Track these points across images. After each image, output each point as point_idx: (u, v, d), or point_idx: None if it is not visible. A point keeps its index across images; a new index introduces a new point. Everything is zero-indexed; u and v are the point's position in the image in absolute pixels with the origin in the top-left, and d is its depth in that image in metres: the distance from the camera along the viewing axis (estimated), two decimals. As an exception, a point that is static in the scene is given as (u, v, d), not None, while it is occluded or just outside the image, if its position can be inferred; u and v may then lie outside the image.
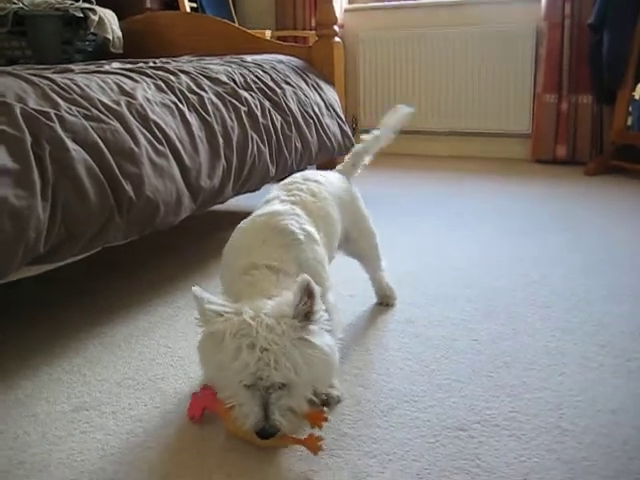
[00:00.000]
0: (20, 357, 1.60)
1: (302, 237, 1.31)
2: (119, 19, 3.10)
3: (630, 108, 3.50)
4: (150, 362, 1.56)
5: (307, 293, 1.10)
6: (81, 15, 2.87)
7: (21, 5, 2.85)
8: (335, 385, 1.36)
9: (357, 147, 1.83)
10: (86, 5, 2.90)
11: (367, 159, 1.84)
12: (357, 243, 1.69)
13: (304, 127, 2.54)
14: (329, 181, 1.59)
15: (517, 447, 1.18)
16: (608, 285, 1.92)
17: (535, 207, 2.89)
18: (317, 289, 1.11)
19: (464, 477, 1.10)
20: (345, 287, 1.93)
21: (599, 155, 3.62)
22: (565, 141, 3.71)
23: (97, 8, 2.93)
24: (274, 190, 1.51)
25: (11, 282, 1.46)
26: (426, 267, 2.15)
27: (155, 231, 1.80)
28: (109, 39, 2.97)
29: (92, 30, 2.92)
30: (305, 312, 1.11)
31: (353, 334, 1.67)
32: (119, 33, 3.03)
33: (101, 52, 3.05)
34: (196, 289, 1.14)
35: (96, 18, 2.90)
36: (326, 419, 1.20)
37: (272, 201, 1.44)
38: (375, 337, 1.66)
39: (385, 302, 1.84)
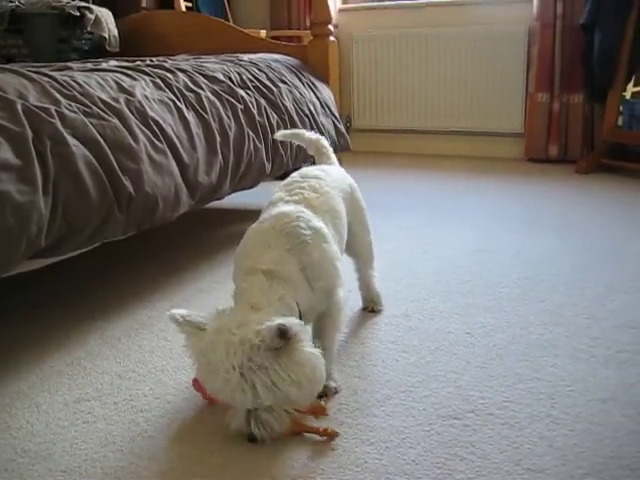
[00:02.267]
0: (22, 350, 1.62)
1: (309, 238, 1.31)
2: (115, 18, 3.12)
3: (621, 108, 3.54)
4: (150, 354, 1.58)
5: (279, 335, 1.08)
6: (77, 14, 2.88)
7: (17, 3, 2.86)
8: (333, 377, 1.38)
9: (310, 135, 1.85)
10: (82, 4, 2.92)
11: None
12: (356, 236, 1.67)
13: (299, 125, 2.56)
14: (328, 174, 1.58)
15: (510, 435, 1.21)
16: (601, 281, 1.96)
17: (528, 205, 2.93)
18: (290, 327, 1.09)
19: (459, 463, 1.13)
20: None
21: (590, 154, 3.66)
22: (557, 140, 3.75)
23: (93, 7, 2.95)
24: (277, 192, 1.51)
25: (13, 276, 1.48)
26: (421, 262, 2.18)
27: (153, 227, 1.83)
28: (105, 38, 2.99)
29: (88, 29, 2.93)
30: (274, 347, 1.10)
31: (350, 327, 1.70)
32: (115, 32, 3.05)
33: (97, 51, 3.07)
34: (171, 313, 1.19)
35: (92, 17, 2.92)
36: (326, 413, 1.25)
37: (277, 203, 1.43)
38: (371, 330, 1.69)
39: (370, 308, 1.80)
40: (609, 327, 1.64)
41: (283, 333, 1.09)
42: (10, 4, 2.85)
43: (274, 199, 1.46)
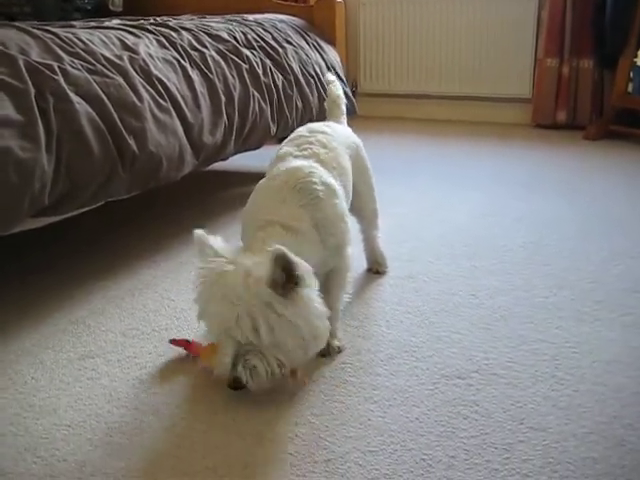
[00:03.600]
0: (25, 309, 1.62)
1: (321, 194, 1.31)
2: (118, -22, 3.07)
3: (631, 74, 3.49)
4: (154, 313, 1.58)
5: (280, 265, 1.09)
6: (80, -29, 2.83)
7: (20, -39, 2.81)
8: (337, 335, 1.39)
9: (332, 92, 1.82)
10: (86, -39, 2.87)
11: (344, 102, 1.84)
12: (361, 196, 1.66)
13: (305, 87, 2.54)
14: (335, 131, 1.57)
15: (514, 394, 1.21)
16: (606, 246, 1.94)
17: (535, 171, 2.90)
18: (295, 260, 1.10)
19: (462, 422, 1.13)
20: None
21: (599, 120, 3.62)
22: (565, 106, 3.70)
23: (97, -35, 2.90)
24: (283, 146, 1.50)
25: (17, 234, 1.48)
26: (426, 225, 2.17)
27: (157, 186, 1.82)
28: (108, -3, 2.94)
29: (91, -13, 2.89)
30: (281, 282, 1.10)
31: (354, 288, 1.69)
32: (119, -9, 3.00)
33: (100, 11, 3.02)
34: (197, 232, 1.20)
35: (95, -25, 2.87)
36: (304, 383, 1.24)
37: (286, 157, 1.42)
38: (375, 291, 1.68)
39: (375, 269, 1.80)
40: (613, 291, 1.64)
41: (286, 264, 1.08)
42: (12, -39, 2.80)
43: (281, 153, 1.45)
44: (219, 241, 1.20)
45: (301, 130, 1.55)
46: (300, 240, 1.24)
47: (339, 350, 1.38)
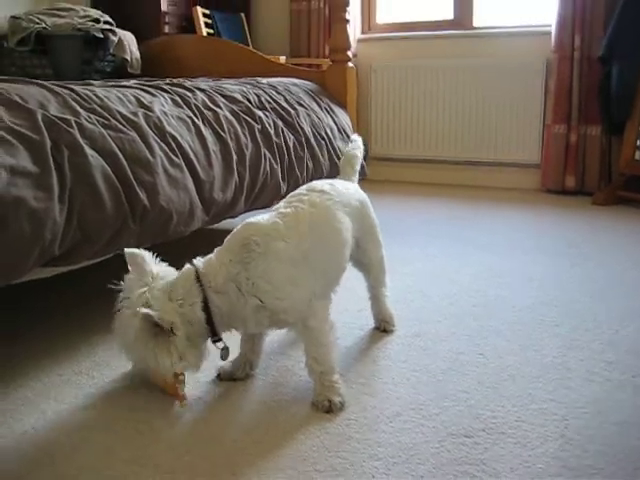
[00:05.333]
0: (32, 357, 1.62)
1: (257, 255, 1.31)
2: (138, 42, 3.18)
3: (638, 142, 3.53)
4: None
5: (144, 321, 1.25)
6: (101, 36, 2.94)
7: (44, 25, 2.93)
8: (337, 391, 1.36)
9: (348, 151, 1.82)
10: (107, 27, 2.98)
11: (359, 162, 1.84)
12: (366, 252, 1.66)
13: (316, 148, 2.58)
14: (336, 189, 1.57)
15: (522, 454, 1.18)
16: (616, 308, 1.93)
17: (544, 233, 2.91)
18: (153, 316, 1.22)
19: (469, 480, 1.11)
20: (354, 302, 1.94)
21: (608, 186, 3.64)
22: (574, 171, 3.74)
23: (117, 30, 3.01)
24: (281, 201, 1.52)
25: (27, 284, 1.48)
26: (435, 285, 2.16)
27: (167, 241, 1.83)
28: (127, 60, 3.04)
29: (111, 51, 2.99)
30: (153, 331, 1.26)
31: (360, 347, 1.68)
32: (137, 54, 3.11)
33: (119, 73, 3.12)
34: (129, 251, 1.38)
35: (116, 39, 2.98)
36: (178, 391, 1.37)
37: (271, 211, 1.45)
38: (382, 349, 1.67)
39: (383, 327, 1.78)
40: (624, 352, 1.61)
41: (144, 319, 1.23)
42: (37, 26, 2.92)
43: (274, 207, 1.48)
44: (150, 261, 1.36)
45: (302, 187, 1.57)
46: (209, 293, 1.31)
47: (341, 406, 1.35)
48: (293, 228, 1.38)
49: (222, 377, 1.51)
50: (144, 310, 1.22)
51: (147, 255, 1.36)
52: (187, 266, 1.36)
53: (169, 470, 1.16)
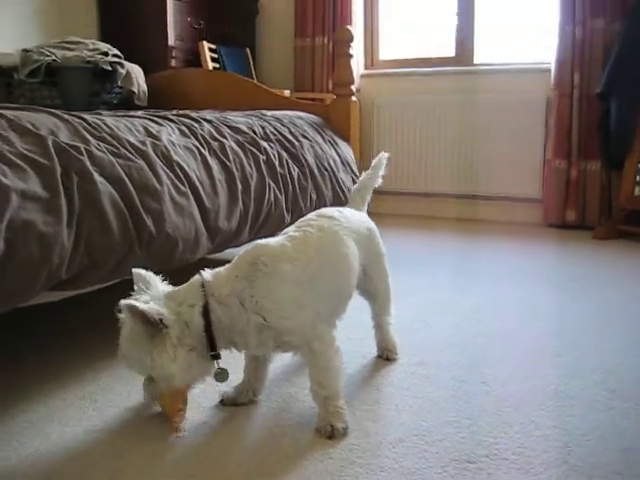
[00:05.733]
0: (36, 381, 1.63)
1: (264, 273, 1.33)
2: (145, 75, 3.24)
3: (638, 177, 3.56)
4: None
5: (135, 317, 1.27)
6: (110, 68, 3.00)
7: (54, 58, 2.99)
8: (340, 417, 1.36)
9: (362, 181, 1.87)
10: (115, 59, 3.04)
11: (370, 193, 1.87)
12: (372, 280, 1.68)
13: (320, 179, 2.61)
14: (344, 216, 1.60)
15: (526, 480, 1.18)
16: (617, 339, 1.93)
17: (546, 267, 2.92)
18: (144, 309, 1.25)
19: (472, 505, 1.10)
20: (358, 331, 1.94)
21: (608, 220, 3.67)
22: (575, 206, 3.77)
23: (125, 62, 3.07)
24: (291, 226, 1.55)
25: (32, 307, 1.50)
26: (438, 315, 2.17)
27: (173, 267, 1.85)
28: (134, 92, 3.09)
29: (119, 83, 3.04)
30: (148, 330, 1.27)
31: (362, 375, 1.69)
32: (144, 87, 3.16)
33: (125, 105, 3.17)
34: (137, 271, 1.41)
35: (124, 72, 3.03)
36: (175, 423, 1.39)
37: (281, 235, 1.48)
38: (386, 377, 1.67)
39: (385, 356, 1.78)
40: (627, 381, 1.62)
41: (134, 314, 1.26)
42: (47, 58, 2.97)
43: (284, 231, 1.50)
44: (156, 281, 1.39)
45: (311, 213, 1.60)
46: (211, 301, 1.32)
47: (344, 432, 1.35)
48: (301, 251, 1.40)
49: (225, 402, 1.51)
50: (128, 301, 1.26)
51: (154, 276, 1.39)
52: (195, 276, 1.38)
53: (172, 493, 1.16)
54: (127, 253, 1.64)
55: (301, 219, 1.58)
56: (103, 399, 1.54)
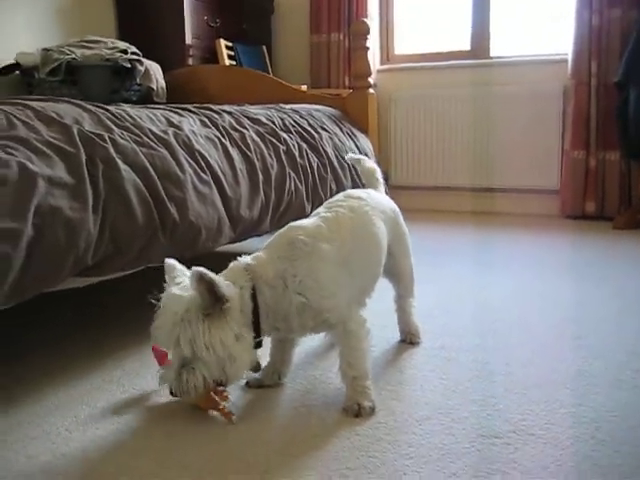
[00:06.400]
0: (63, 366, 1.66)
1: (304, 252, 1.35)
2: (163, 73, 3.26)
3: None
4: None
5: (202, 285, 1.21)
6: (129, 66, 3.03)
7: (74, 56, 3.02)
8: (368, 396, 1.38)
9: (365, 166, 1.88)
10: (134, 57, 3.07)
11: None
12: (396, 260, 1.70)
13: (339, 170, 2.62)
14: (371, 197, 1.62)
15: (554, 453, 1.18)
16: (638, 323, 1.92)
17: (565, 257, 2.91)
18: (214, 279, 1.22)
19: (501, 477, 1.11)
20: (378, 318, 1.94)
21: (628, 210, 3.64)
22: (594, 197, 3.75)
23: (144, 60, 3.10)
24: (321, 207, 1.57)
25: (62, 294, 1.52)
26: (457, 304, 2.17)
27: (195, 255, 1.87)
28: (153, 89, 3.12)
29: (138, 80, 3.07)
30: (208, 302, 1.22)
31: (386, 358, 1.69)
32: (163, 83, 3.19)
33: (145, 102, 3.20)
34: (169, 260, 1.38)
35: (142, 69, 3.06)
36: (230, 420, 1.33)
37: (312, 216, 1.50)
38: (408, 360, 1.68)
39: (408, 339, 1.79)
40: (652, 362, 1.61)
41: (206, 283, 1.21)
42: (67, 57, 3.01)
43: (314, 212, 1.52)
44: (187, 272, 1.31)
45: (340, 194, 1.63)
46: (259, 284, 1.31)
47: (371, 411, 1.36)
48: (335, 231, 1.42)
49: (251, 385, 1.52)
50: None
51: (185, 268, 1.36)
52: (234, 262, 1.37)
53: (198, 469, 1.17)
54: (151, 239, 1.66)
55: (328, 200, 1.59)
56: (129, 383, 1.56)
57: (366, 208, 1.55)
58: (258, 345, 1.33)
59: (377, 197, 1.68)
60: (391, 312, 1.82)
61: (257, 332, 1.32)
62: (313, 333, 1.45)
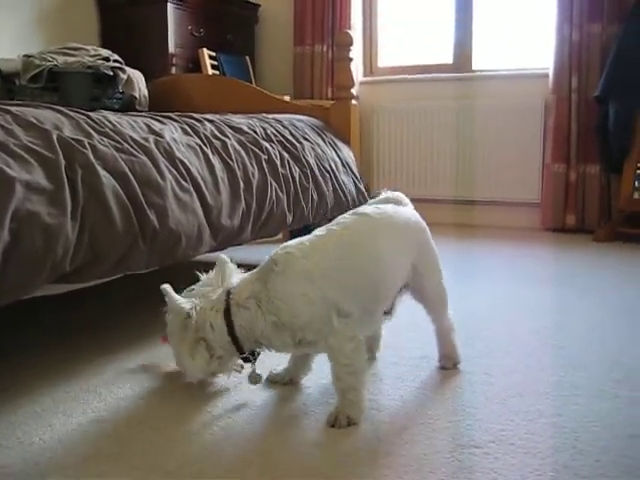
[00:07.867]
0: (40, 374, 1.63)
1: (276, 271, 1.36)
2: (145, 82, 3.25)
3: (636, 183, 3.56)
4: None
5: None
6: (111, 73, 3.01)
7: (55, 63, 3.00)
8: (353, 409, 1.35)
9: (389, 193, 1.79)
10: (116, 65, 3.05)
11: None
12: (423, 279, 1.61)
13: (321, 180, 2.62)
14: (383, 212, 1.55)
15: (533, 463, 1.18)
16: (622, 332, 1.94)
17: (546, 267, 2.93)
18: (170, 299, 1.44)
19: (481, 487, 1.10)
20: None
21: (608, 223, 3.68)
22: (574, 210, 3.78)
23: (126, 68, 3.08)
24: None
25: (37, 299, 1.50)
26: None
27: (175, 263, 1.85)
28: (136, 97, 3.10)
29: (120, 88, 3.05)
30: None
31: (371, 368, 1.68)
32: (145, 92, 3.17)
33: (127, 110, 3.18)
34: (165, 287, 1.48)
35: (125, 77, 3.04)
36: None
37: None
38: (390, 369, 1.67)
39: (444, 364, 1.66)
40: (634, 371, 1.62)
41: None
42: (48, 63, 2.99)
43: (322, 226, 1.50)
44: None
45: (351, 210, 1.57)
46: (232, 305, 1.39)
47: (347, 423, 1.33)
48: (317, 247, 1.40)
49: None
50: (164, 286, 1.46)
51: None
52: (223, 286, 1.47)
53: (176, 472, 1.15)
54: (130, 246, 1.64)
55: (343, 214, 1.55)
56: (107, 392, 1.53)
57: (370, 224, 1.50)
58: (247, 360, 1.45)
59: (393, 213, 1.59)
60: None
61: (239, 347, 1.40)
62: (303, 351, 1.47)
